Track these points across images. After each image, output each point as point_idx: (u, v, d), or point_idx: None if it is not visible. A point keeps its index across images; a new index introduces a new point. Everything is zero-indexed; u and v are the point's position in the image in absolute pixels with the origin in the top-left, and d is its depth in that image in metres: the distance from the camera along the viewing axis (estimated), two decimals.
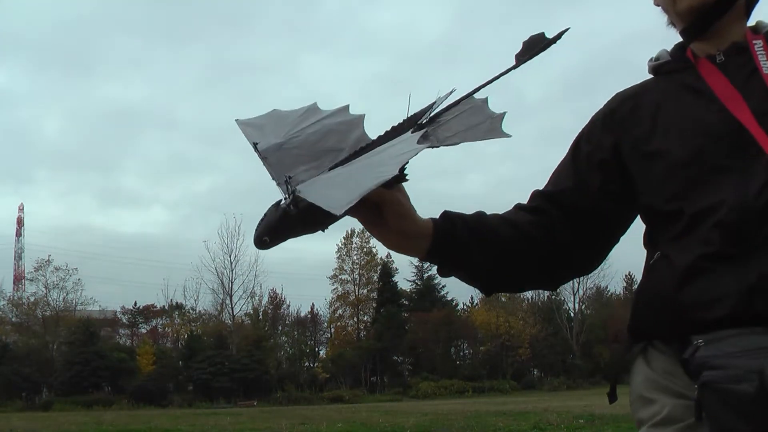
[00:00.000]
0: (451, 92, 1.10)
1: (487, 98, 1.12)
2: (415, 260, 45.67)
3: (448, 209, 1.14)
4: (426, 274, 46.39)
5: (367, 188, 0.87)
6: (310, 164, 0.99)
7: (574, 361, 42.56)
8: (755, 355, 0.94)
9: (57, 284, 41.62)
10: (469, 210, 1.16)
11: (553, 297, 44.52)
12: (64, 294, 41.85)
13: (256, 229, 0.93)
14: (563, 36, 1.09)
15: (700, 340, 1.00)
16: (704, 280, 1.01)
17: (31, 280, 43.07)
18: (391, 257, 44.63)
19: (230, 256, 42.65)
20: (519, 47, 1.11)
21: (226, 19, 76.85)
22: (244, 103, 74.30)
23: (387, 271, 45.48)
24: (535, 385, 41.20)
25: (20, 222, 58.43)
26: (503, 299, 44.04)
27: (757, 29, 1.17)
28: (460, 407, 21.12)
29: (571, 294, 46.45)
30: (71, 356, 37.73)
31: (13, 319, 41.78)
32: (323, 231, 0.97)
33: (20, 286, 48.31)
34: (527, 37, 1.11)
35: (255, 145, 1.02)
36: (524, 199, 1.23)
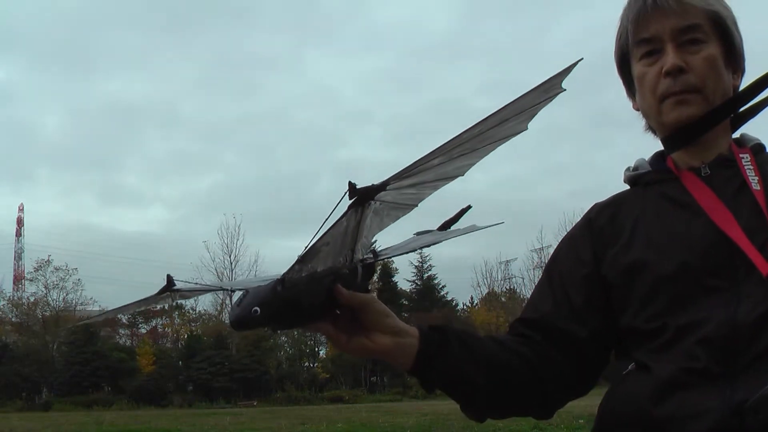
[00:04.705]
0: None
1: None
2: (415, 260, 45.84)
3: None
4: (426, 275, 46.39)
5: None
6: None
7: None
8: None
9: (57, 284, 41.61)
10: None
11: None
12: (64, 294, 41.84)
13: (238, 305, 0.87)
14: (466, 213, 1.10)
15: None
16: (685, 394, 0.95)
17: (31, 280, 42.98)
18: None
19: (230, 256, 42.43)
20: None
21: (229, 13, 76.88)
22: (247, 100, 74.38)
23: (387, 272, 45.38)
24: None
25: (20, 222, 58.37)
26: (503, 299, 43.98)
27: (741, 142, 1.13)
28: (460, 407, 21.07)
29: None
30: (71, 356, 37.71)
31: (13, 319, 41.74)
32: (273, 331, 0.94)
33: (20, 286, 48.21)
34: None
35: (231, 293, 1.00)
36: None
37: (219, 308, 43.38)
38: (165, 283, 0.97)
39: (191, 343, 40.69)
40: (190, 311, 44.71)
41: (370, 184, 0.86)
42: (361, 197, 0.85)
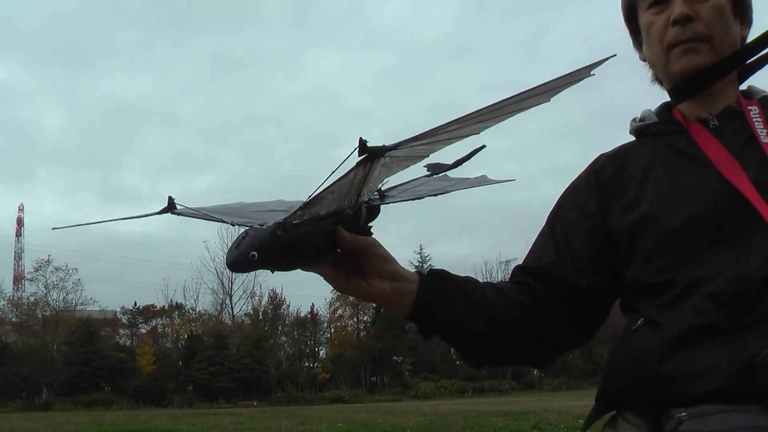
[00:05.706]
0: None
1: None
2: (414, 260, 45.83)
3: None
4: None
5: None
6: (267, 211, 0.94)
7: (574, 361, 42.49)
8: None
9: (57, 284, 41.61)
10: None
11: None
12: (64, 294, 41.85)
13: (236, 247, 0.84)
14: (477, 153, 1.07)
15: (684, 414, 0.93)
16: (693, 351, 0.94)
17: (31, 280, 42.99)
18: None
19: None
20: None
21: (230, 11, 76.76)
22: (248, 98, 74.38)
23: None
24: (535, 385, 41.18)
25: (20, 222, 58.40)
26: None
27: (749, 94, 1.12)
28: (460, 407, 21.10)
29: None
30: (71, 356, 37.71)
31: (13, 319, 41.75)
32: (272, 271, 0.90)
33: (20, 286, 48.23)
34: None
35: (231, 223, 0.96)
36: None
37: (219, 308, 43.44)
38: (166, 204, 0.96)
39: (191, 343, 40.67)
40: (190, 311, 44.77)
41: (382, 145, 0.83)
42: (371, 156, 0.83)
